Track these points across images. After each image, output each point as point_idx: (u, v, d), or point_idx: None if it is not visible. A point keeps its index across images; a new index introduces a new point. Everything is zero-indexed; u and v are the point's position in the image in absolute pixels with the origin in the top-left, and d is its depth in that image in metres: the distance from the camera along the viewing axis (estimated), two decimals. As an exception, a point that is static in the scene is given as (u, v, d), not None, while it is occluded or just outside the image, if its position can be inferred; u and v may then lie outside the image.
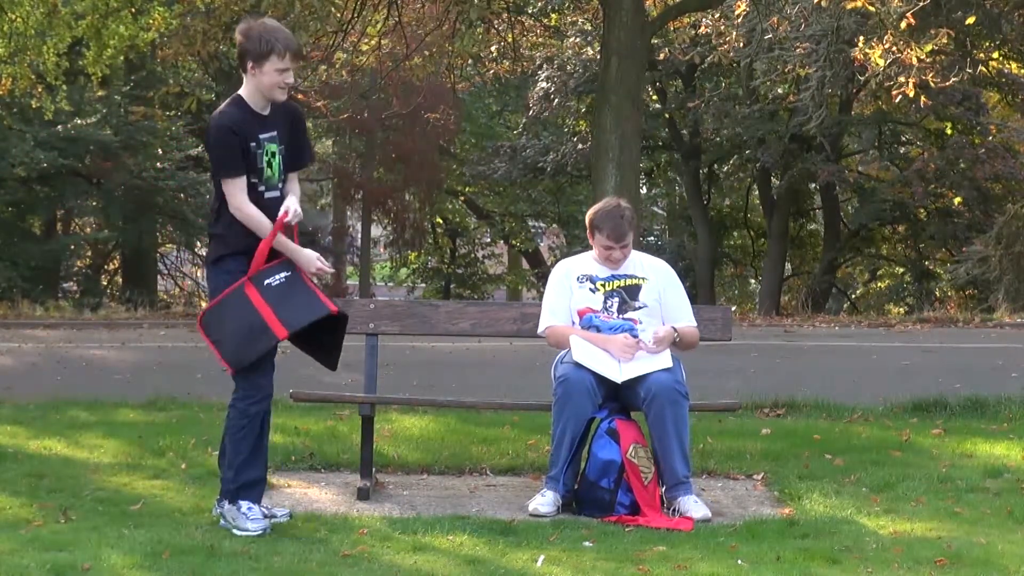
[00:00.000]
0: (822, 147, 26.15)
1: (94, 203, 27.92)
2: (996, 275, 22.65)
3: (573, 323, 6.85)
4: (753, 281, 36.39)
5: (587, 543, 5.91)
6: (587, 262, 6.96)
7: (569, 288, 6.89)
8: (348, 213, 37.19)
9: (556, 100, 27.52)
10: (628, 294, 6.84)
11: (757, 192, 32.34)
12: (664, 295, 6.88)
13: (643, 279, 6.89)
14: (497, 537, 5.97)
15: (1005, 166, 25.62)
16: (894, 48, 14.30)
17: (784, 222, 29.99)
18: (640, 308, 6.82)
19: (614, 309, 6.81)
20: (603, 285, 6.86)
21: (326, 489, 7.08)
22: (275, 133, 6.15)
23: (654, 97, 29.27)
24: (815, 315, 22.53)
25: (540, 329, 6.95)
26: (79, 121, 24.63)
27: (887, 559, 5.63)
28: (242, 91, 6.14)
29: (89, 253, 30.78)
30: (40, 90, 17.72)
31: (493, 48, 23.29)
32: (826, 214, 30.96)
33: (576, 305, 6.85)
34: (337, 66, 21.25)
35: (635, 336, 6.70)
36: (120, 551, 5.55)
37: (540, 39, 26.14)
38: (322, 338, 6.19)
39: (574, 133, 29.45)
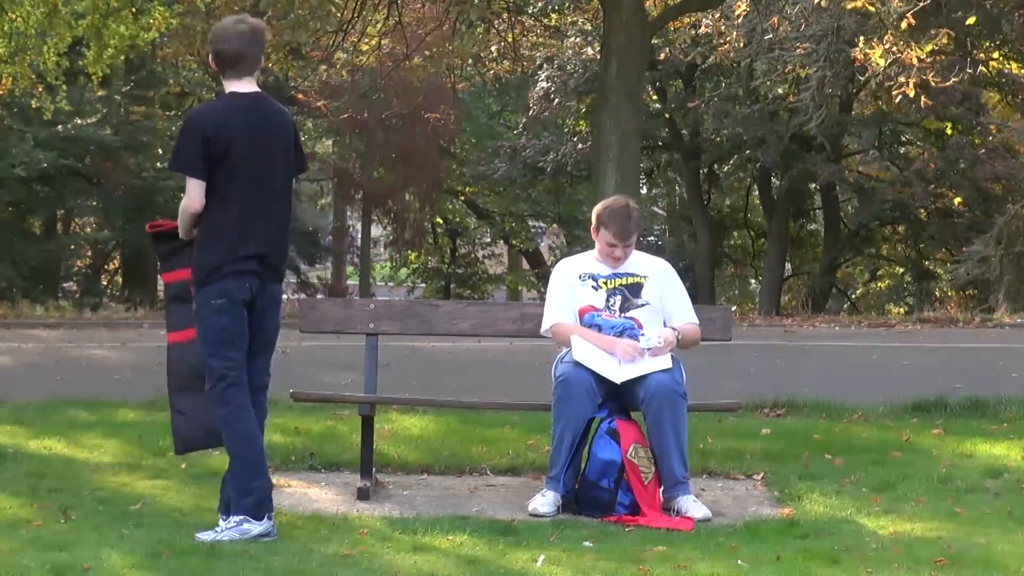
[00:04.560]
0: (822, 147, 26.13)
1: (94, 203, 27.94)
2: (996, 275, 22.65)
3: (575, 321, 6.84)
4: (753, 281, 36.38)
5: (587, 543, 5.90)
6: (589, 261, 6.96)
7: (572, 285, 6.88)
8: (348, 213, 37.18)
9: (556, 100, 27.50)
10: (630, 292, 6.84)
11: (757, 192, 32.33)
12: (664, 293, 6.88)
13: (644, 277, 6.89)
14: (497, 537, 5.96)
15: (1005, 166, 25.60)
16: (894, 48, 14.30)
17: (784, 222, 29.98)
18: (642, 306, 6.82)
19: (616, 307, 6.81)
20: (605, 283, 6.86)
21: (326, 489, 7.08)
22: None
23: (654, 97, 29.26)
24: (815, 315, 22.53)
25: (544, 327, 6.93)
26: (79, 121, 24.64)
27: (887, 559, 5.63)
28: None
29: (89, 253, 30.79)
30: (40, 90, 17.71)
31: (493, 48, 23.28)
32: (826, 214, 30.96)
33: (578, 303, 6.84)
34: (337, 66, 21.26)
35: (636, 339, 6.69)
36: (120, 551, 5.55)
37: (540, 39, 26.14)
38: None
39: (574, 133, 29.45)
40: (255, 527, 5.86)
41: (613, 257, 6.85)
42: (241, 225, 5.95)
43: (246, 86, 6.03)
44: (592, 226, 6.92)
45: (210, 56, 6.19)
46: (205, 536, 5.83)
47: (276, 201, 6.04)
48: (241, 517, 5.87)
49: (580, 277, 6.89)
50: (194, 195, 5.92)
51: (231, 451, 5.96)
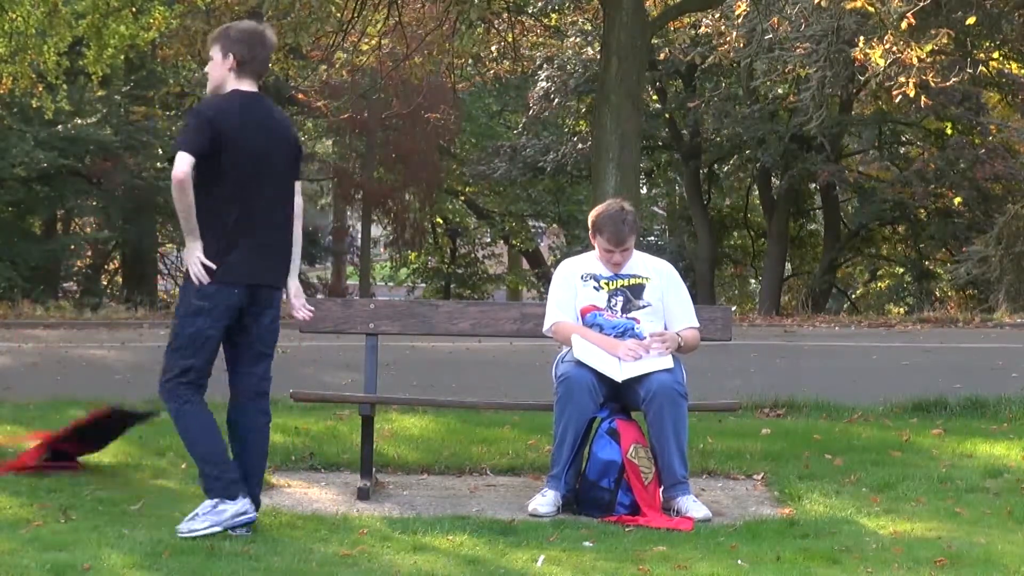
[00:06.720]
0: (822, 147, 26.16)
1: (94, 203, 27.96)
2: (996, 275, 22.67)
3: (577, 320, 6.85)
4: (753, 281, 36.40)
5: (587, 543, 5.90)
6: (591, 261, 6.97)
7: (574, 286, 6.89)
8: (348, 213, 37.20)
9: (556, 100, 27.54)
10: (632, 293, 6.84)
11: (757, 192, 32.36)
12: (666, 296, 6.89)
13: (646, 279, 6.89)
14: (497, 537, 5.96)
15: (1005, 166, 25.63)
16: (894, 48, 14.30)
17: (784, 222, 30.01)
18: (644, 307, 6.82)
19: (618, 308, 6.81)
20: (607, 283, 6.86)
21: (326, 489, 7.08)
22: None
23: (654, 97, 29.28)
24: (815, 315, 22.55)
25: (546, 326, 6.93)
26: (79, 121, 24.64)
27: (887, 559, 5.63)
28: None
29: (89, 253, 30.80)
30: (40, 90, 17.70)
31: (493, 48, 23.30)
32: (826, 214, 30.98)
33: (580, 303, 6.85)
34: (337, 66, 21.27)
35: (640, 338, 6.70)
36: (120, 551, 5.55)
37: (540, 39, 26.17)
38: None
39: (574, 133, 29.47)
40: (229, 506, 5.85)
41: (612, 262, 6.86)
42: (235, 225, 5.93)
43: (247, 86, 6.04)
44: (590, 232, 6.95)
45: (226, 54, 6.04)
46: (183, 527, 5.83)
47: (276, 203, 6.04)
48: (216, 500, 5.87)
49: (582, 277, 6.90)
50: (179, 165, 5.83)
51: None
